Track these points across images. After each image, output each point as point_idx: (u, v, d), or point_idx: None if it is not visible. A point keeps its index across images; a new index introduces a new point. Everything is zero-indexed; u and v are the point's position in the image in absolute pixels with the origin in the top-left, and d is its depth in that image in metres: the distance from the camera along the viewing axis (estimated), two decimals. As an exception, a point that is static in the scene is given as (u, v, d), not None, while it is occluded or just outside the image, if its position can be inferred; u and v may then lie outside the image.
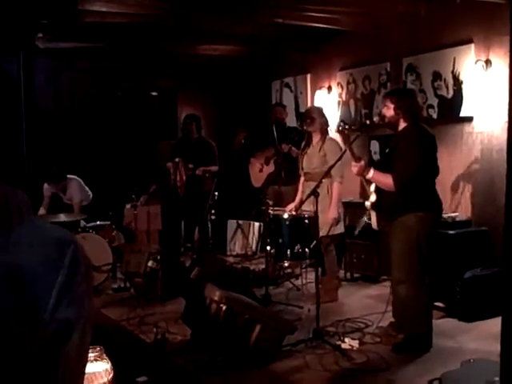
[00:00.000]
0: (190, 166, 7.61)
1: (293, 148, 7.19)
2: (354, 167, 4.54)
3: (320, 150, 5.77)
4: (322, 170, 5.57)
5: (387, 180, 4.37)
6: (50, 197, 7.20)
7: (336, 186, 5.66)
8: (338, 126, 4.74)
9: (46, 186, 7.13)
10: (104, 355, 1.99)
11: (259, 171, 7.79)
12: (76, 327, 0.93)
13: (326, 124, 5.87)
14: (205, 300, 4.34)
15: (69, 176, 7.17)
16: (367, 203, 4.65)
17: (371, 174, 4.47)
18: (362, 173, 4.52)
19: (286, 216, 5.63)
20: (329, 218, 5.59)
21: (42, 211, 7.08)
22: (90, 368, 2.06)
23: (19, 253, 0.90)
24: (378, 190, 4.56)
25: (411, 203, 4.38)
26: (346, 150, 4.85)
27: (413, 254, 4.38)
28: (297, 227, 5.46)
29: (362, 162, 4.56)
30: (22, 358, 0.87)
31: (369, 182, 4.63)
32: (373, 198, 4.60)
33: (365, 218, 4.97)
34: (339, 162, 5.01)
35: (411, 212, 4.37)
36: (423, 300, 4.51)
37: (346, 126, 4.74)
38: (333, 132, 6.98)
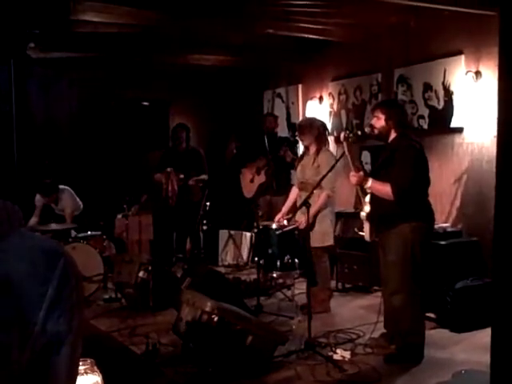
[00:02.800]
0: (181, 176, 7.60)
1: (288, 152, 7.21)
2: (353, 177, 4.54)
3: (314, 161, 5.75)
4: (315, 181, 5.57)
5: (386, 189, 4.38)
6: (42, 207, 7.18)
7: (323, 196, 5.58)
8: (344, 134, 4.70)
9: (38, 196, 7.11)
10: (95, 367, 1.98)
11: (250, 181, 7.80)
12: (66, 339, 0.92)
13: (320, 134, 5.82)
14: (181, 306, 4.32)
15: (60, 186, 7.15)
16: (362, 214, 4.65)
17: (370, 183, 4.47)
18: (361, 182, 4.53)
19: (274, 227, 5.63)
20: (300, 221, 5.52)
21: (33, 220, 7.06)
22: (81, 381, 2.04)
23: (8, 264, 0.89)
24: (371, 201, 4.57)
25: (406, 213, 4.39)
26: (339, 159, 4.86)
27: (407, 264, 4.39)
28: (286, 238, 5.45)
29: (361, 172, 4.58)
30: (9, 370, 0.86)
31: (364, 193, 4.63)
32: (367, 208, 4.60)
33: (356, 230, 4.96)
34: (331, 174, 5.02)
35: (406, 222, 4.38)
36: (417, 310, 4.51)
37: (351, 134, 4.71)
38: (330, 142, 7.02)
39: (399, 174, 4.35)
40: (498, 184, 1.84)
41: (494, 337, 1.87)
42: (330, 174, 5.05)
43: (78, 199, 7.38)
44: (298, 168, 5.98)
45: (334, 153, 6.26)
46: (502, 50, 1.84)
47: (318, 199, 5.55)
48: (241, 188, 8.02)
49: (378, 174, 4.53)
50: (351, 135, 4.68)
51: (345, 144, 4.68)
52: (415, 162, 4.41)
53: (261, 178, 7.65)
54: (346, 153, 4.66)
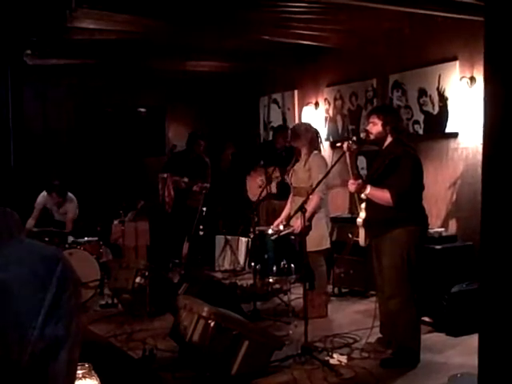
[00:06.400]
0: (186, 179, 7.62)
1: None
2: (352, 185, 4.55)
3: (305, 165, 5.81)
4: (308, 185, 5.61)
5: (384, 195, 4.40)
6: (41, 210, 7.21)
7: (315, 199, 5.58)
8: (348, 144, 4.68)
9: (40, 198, 7.17)
10: (92, 372, 1.99)
11: (259, 187, 7.78)
12: (64, 345, 0.93)
13: (313, 139, 5.90)
14: (178, 311, 4.33)
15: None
16: (359, 220, 4.66)
17: (368, 190, 4.49)
18: (360, 190, 4.54)
19: (270, 232, 5.64)
20: (295, 225, 5.53)
21: (30, 222, 7.07)
22: (78, 385, 2.05)
23: (7, 270, 0.91)
24: (367, 207, 4.59)
25: (402, 218, 4.42)
26: (334, 164, 4.89)
27: (403, 268, 4.41)
28: (282, 243, 5.47)
29: (360, 180, 4.60)
30: (8, 374, 0.87)
31: (360, 200, 4.65)
32: (362, 214, 4.62)
33: (349, 235, 4.98)
34: (321, 176, 5.07)
35: (401, 227, 4.41)
36: (413, 314, 4.53)
37: (354, 145, 4.70)
38: (325, 147, 7.04)
39: (399, 180, 4.38)
40: (485, 189, 1.87)
41: (481, 342, 1.88)
42: (320, 176, 5.13)
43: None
44: (291, 173, 6.02)
45: (330, 158, 6.30)
46: (486, 55, 1.87)
47: (311, 202, 5.57)
48: (239, 193, 8.01)
49: (380, 182, 4.52)
50: (354, 145, 4.69)
51: (347, 154, 4.68)
52: (413, 168, 4.45)
53: (271, 188, 7.60)
54: (348, 162, 4.67)
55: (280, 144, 7.65)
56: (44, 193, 7.24)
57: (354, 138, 4.81)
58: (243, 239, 7.99)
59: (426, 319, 5.28)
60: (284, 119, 8.68)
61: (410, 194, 4.43)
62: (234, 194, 8.10)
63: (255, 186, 7.82)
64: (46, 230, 6.78)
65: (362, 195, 4.58)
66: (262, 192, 7.25)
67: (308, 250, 5.21)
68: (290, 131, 6.39)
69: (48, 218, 7.18)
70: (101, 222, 7.60)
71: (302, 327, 4.79)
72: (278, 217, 6.67)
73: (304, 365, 4.53)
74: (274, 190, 7.51)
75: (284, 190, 7.20)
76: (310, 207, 5.45)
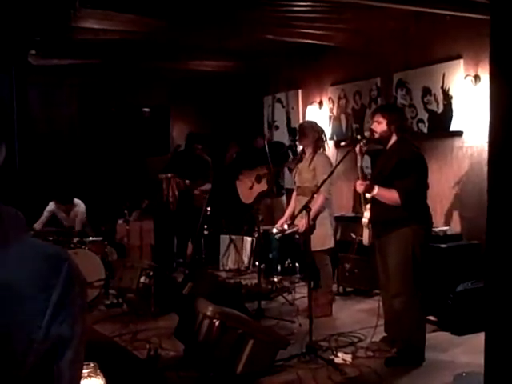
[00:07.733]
0: (187, 181, 7.64)
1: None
2: (361, 185, 4.54)
3: (310, 164, 5.80)
4: (312, 185, 5.60)
5: (393, 195, 4.39)
6: (50, 217, 7.27)
7: (320, 199, 5.58)
8: (360, 146, 4.66)
9: (50, 206, 7.22)
10: (98, 371, 2.00)
11: (249, 188, 7.80)
12: (70, 344, 0.94)
13: (319, 139, 5.89)
14: (197, 315, 4.33)
15: (76, 200, 7.39)
16: (364, 220, 4.66)
17: (376, 190, 4.48)
18: (368, 190, 4.54)
19: (275, 231, 5.64)
20: (300, 225, 5.54)
21: (37, 226, 7.10)
22: (84, 384, 2.06)
23: (13, 270, 0.91)
24: (372, 206, 4.59)
25: (408, 217, 4.41)
26: (338, 164, 4.88)
27: (409, 266, 4.41)
28: (286, 242, 5.46)
29: (368, 181, 4.60)
30: (13, 374, 0.87)
31: (366, 200, 4.64)
32: (367, 214, 4.62)
33: (352, 235, 4.98)
34: (327, 176, 5.07)
35: (406, 225, 4.40)
36: (418, 313, 4.53)
37: (365, 147, 4.69)
38: (330, 146, 7.05)
39: (406, 180, 4.38)
40: (490, 187, 1.87)
41: (487, 340, 1.88)
42: (325, 175, 5.13)
43: None
44: (296, 172, 6.01)
45: (334, 157, 6.28)
46: (492, 54, 1.87)
47: (316, 202, 5.56)
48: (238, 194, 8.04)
49: (386, 182, 4.50)
50: (364, 146, 4.69)
51: (359, 157, 4.68)
52: (420, 167, 4.45)
53: (262, 186, 7.63)
54: (359, 163, 4.67)
55: (259, 145, 7.66)
56: (52, 202, 7.33)
57: (359, 137, 4.80)
58: (248, 238, 7.99)
59: (431, 318, 5.27)
60: (288, 118, 8.68)
61: (416, 192, 4.43)
62: (236, 194, 8.10)
63: (246, 189, 7.84)
64: (52, 230, 6.82)
65: (369, 195, 4.58)
66: (267, 190, 7.28)
67: (312, 249, 5.21)
68: (297, 130, 6.39)
69: (57, 225, 7.23)
70: (105, 221, 7.62)
71: (307, 326, 4.79)
72: (273, 213, 6.69)
73: (308, 364, 4.52)
74: (264, 188, 7.55)
75: (277, 188, 7.26)
76: (314, 207, 5.45)
